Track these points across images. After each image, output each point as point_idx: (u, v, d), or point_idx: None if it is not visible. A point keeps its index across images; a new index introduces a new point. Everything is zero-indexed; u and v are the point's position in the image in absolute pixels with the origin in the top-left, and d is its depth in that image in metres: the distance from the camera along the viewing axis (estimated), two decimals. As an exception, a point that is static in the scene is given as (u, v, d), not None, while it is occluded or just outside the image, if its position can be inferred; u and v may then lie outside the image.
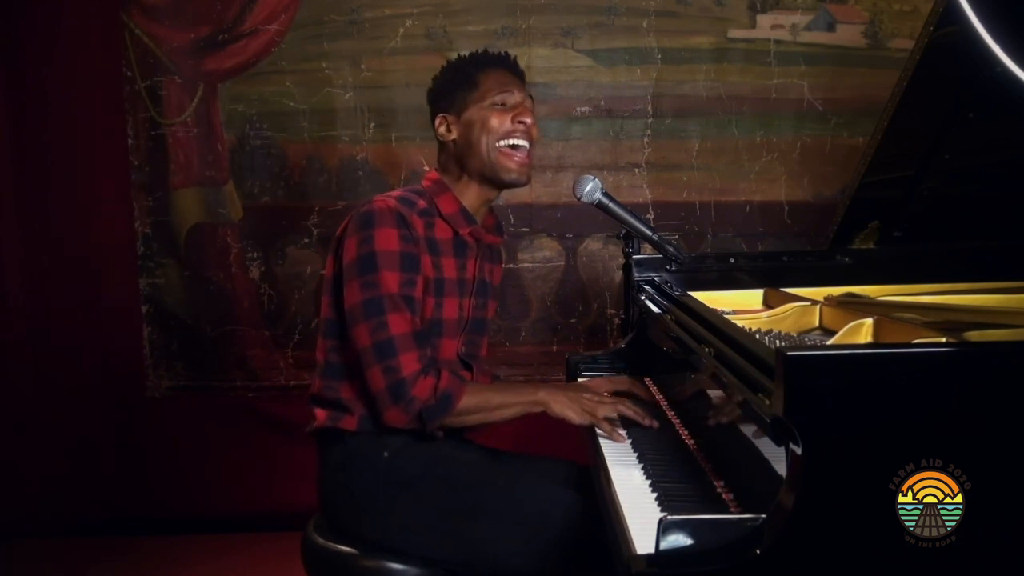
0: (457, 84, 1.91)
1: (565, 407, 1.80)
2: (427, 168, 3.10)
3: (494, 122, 1.86)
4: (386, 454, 1.82)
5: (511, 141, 1.87)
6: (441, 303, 1.86)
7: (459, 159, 1.91)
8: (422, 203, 1.87)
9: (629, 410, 1.81)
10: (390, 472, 1.81)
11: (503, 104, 1.88)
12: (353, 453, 1.83)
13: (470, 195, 1.93)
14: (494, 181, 1.91)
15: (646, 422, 1.79)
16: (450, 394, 1.76)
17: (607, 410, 1.80)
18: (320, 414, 1.87)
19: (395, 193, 1.88)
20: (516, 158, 1.88)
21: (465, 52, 1.98)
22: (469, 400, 1.78)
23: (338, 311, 1.84)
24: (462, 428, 1.91)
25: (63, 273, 3.39)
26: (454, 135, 1.90)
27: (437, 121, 1.92)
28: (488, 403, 1.81)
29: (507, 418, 1.83)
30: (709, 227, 3.37)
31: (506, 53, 1.96)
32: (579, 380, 2.25)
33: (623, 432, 1.77)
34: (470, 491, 1.78)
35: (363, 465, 1.82)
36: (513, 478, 1.84)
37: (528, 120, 1.88)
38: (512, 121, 1.87)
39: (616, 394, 1.94)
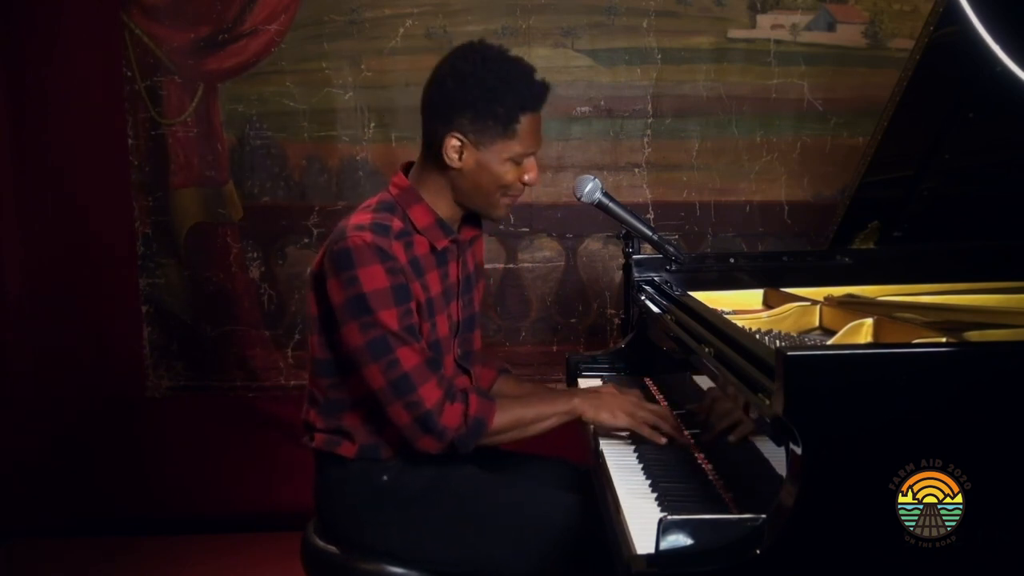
0: (494, 118, 1.70)
1: (599, 411, 1.76)
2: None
3: (509, 177, 1.74)
4: (385, 477, 1.80)
5: (511, 195, 1.80)
6: (435, 322, 1.80)
7: (453, 183, 1.77)
8: (396, 223, 1.74)
9: (667, 426, 1.73)
10: (389, 491, 1.79)
11: (520, 162, 1.75)
12: (351, 473, 1.81)
13: (443, 206, 1.80)
14: (477, 213, 1.85)
15: (684, 436, 1.73)
16: (482, 419, 1.71)
17: (645, 418, 1.75)
18: (318, 437, 1.83)
19: (366, 218, 1.73)
20: (508, 204, 1.81)
21: (512, 54, 1.75)
22: (502, 419, 1.73)
23: (333, 350, 1.78)
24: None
25: (63, 273, 3.39)
26: (463, 164, 1.73)
27: (452, 140, 1.71)
28: (522, 419, 1.77)
29: (543, 431, 1.79)
30: (709, 227, 3.36)
31: (547, 85, 1.75)
32: (579, 383, 2.25)
33: (663, 435, 1.72)
34: (470, 500, 1.77)
35: (361, 485, 1.80)
36: (512, 482, 1.84)
37: (535, 183, 1.79)
38: (522, 180, 1.76)
39: None
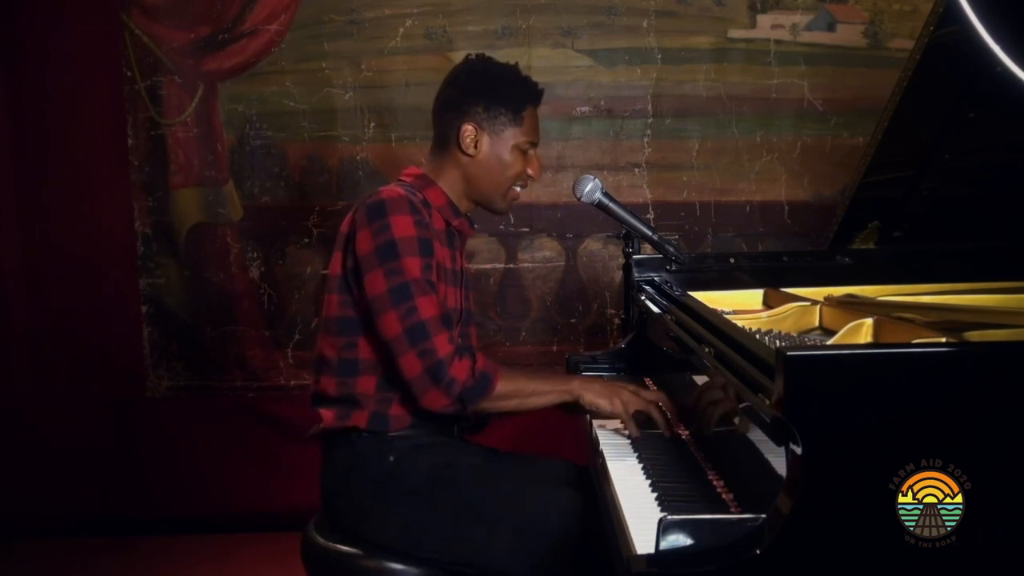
0: (504, 107, 1.88)
1: (597, 396, 1.80)
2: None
3: (519, 167, 1.90)
4: (391, 458, 1.81)
5: (518, 186, 1.94)
6: (446, 293, 1.86)
7: (467, 173, 1.90)
8: (418, 195, 1.87)
9: (657, 413, 1.77)
10: (394, 476, 1.80)
11: (526, 152, 1.91)
12: (359, 456, 1.82)
13: (454, 196, 1.92)
14: (483, 204, 1.94)
15: (667, 432, 1.76)
16: (488, 375, 1.76)
17: (639, 404, 1.78)
18: (327, 414, 1.85)
19: (394, 186, 1.88)
20: (514, 197, 1.95)
21: (512, 62, 1.95)
22: (505, 385, 1.78)
23: (354, 307, 1.82)
24: (474, 426, 1.93)
25: (63, 273, 3.39)
26: (478, 152, 1.88)
27: (467, 128, 1.87)
28: (523, 389, 1.81)
29: (541, 406, 1.83)
30: (709, 227, 3.37)
31: (541, 89, 1.96)
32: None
33: (637, 432, 1.75)
34: (471, 495, 1.78)
35: (368, 469, 1.81)
36: (513, 481, 1.84)
37: (538, 176, 1.95)
38: (527, 172, 1.92)
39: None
